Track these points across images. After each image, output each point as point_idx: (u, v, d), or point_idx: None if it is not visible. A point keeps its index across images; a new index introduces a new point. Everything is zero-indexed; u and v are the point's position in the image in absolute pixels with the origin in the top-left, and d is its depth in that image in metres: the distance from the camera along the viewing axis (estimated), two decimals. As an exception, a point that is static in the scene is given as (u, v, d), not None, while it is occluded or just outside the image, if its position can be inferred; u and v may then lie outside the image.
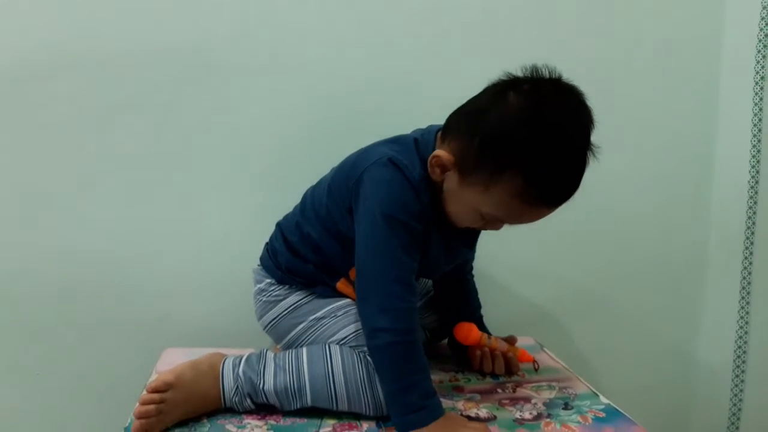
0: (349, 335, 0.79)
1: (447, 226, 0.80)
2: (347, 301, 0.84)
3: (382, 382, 0.74)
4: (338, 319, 0.81)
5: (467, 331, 0.90)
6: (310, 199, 0.89)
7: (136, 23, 1.00)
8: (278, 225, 0.93)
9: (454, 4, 1.08)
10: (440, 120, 0.80)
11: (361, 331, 0.78)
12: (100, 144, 1.02)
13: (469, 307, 0.97)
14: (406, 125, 0.86)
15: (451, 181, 0.75)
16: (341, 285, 0.85)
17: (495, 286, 1.14)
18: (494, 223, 0.78)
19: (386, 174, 0.76)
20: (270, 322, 0.88)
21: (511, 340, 0.95)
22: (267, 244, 0.93)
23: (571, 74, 0.71)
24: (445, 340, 0.98)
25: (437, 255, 0.83)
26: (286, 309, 0.86)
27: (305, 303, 0.85)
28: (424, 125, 0.85)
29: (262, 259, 0.93)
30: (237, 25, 1.03)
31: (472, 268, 1.00)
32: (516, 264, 1.17)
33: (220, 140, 1.05)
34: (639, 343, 1.24)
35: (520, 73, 0.73)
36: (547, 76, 0.72)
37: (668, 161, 1.19)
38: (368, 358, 0.76)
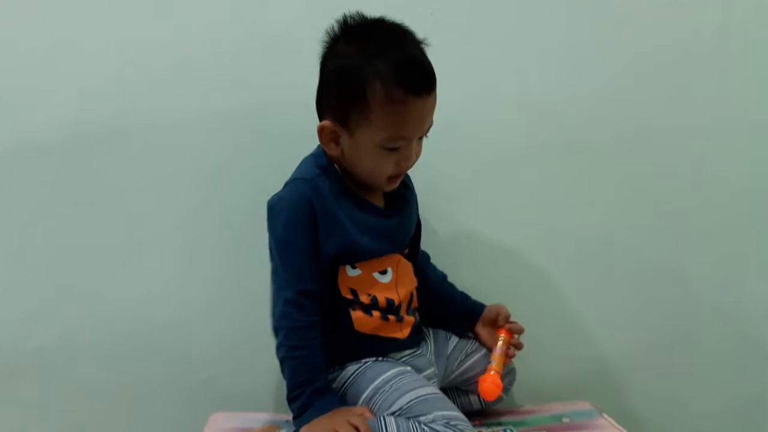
0: (403, 406, 0.78)
1: (366, 204, 0.86)
2: (391, 373, 0.83)
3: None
4: (388, 394, 0.81)
5: (493, 389, 0.90)
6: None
7: (189, 90, 1.03)
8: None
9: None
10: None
11: (414, 401, 0.78)
12: (148, 209, 1.04)
13: (453, 301, 1.01)
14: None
15: (346, 142, 0.82)
16: (359, 323, 0.85)
17: (544, 346, 1.10)
18: (401, 152, 0.81)
19: (278, 201, 0.85)
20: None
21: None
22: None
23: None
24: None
25: (370, 232, 0.85)
26: (340, 390, 0.86)
27: (350, 385, 0.85)
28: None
29: None
30: (286, 90, 1.03)
31: (428, 257, 1.03)
32: (568, 322, 1.13)
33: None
34: (702, 405, 1.17)
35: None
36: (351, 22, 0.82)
37: (730, 215, 1.15)
38: (425, 426, 0.74)
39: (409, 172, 0.90)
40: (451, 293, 1.02)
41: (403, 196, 0.93)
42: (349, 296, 0.86)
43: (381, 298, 0.87)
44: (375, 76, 0.77)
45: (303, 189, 0.83)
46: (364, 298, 0.86)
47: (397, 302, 0.88)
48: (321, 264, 0.83)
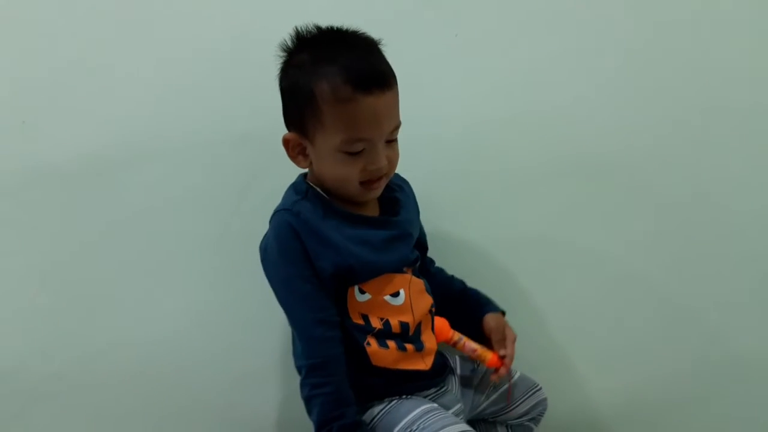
0: None
1: (357, 218, 0.83)
2: (418, 412, 0.79)
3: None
4: None
5: (442, 333, 0.89)
6: None
7: (211, 113, 1.03)
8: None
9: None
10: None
11: None
12: (169, 234, 1.03)
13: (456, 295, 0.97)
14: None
15: (312, 153, 0.81)
16: (376, 357, 0.81)
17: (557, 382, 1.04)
18: (365, 155, 0.78)
19: (266, 241, 0.83)
20: None
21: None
22: None
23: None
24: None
25: (366, 244, 0.82)
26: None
27: (374, 428, 0.81)
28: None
29: None
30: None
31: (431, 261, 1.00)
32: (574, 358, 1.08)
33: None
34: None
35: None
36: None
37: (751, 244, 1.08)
38: None
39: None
40: (477, 300, 0.96)
41: (398, 200, 0.89)
42: (360, 322, 0.81)
43: (394, 322, 0.82)
44: (322, 78, 0.76)
45: (283, 218, 0.81)
46: (376, 323, 0.81)
47: (413, 325, 0.83)
48: (328, 288, 0.80)
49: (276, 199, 0.98)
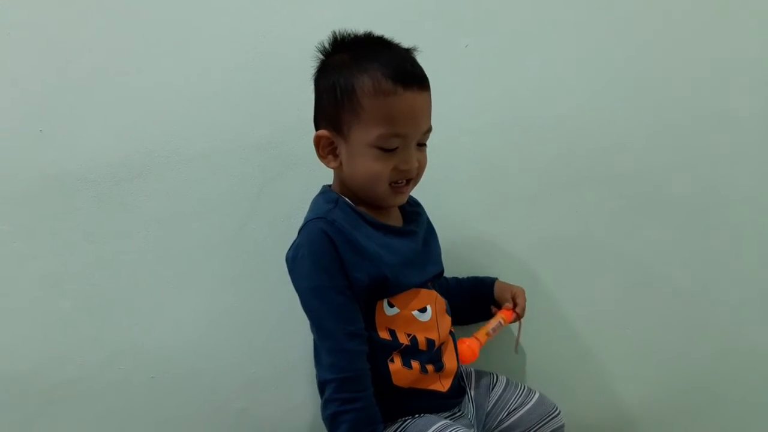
0: None
1: (386, 227, 0.83)
2: (434, 429, 0.78)
3: None
4: None
5: (470, 352, 0.87)
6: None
7: (224, 120, 1.03)
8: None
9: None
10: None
11: None
12: (183, 240, 1.04)
13: (471, 291, 0.99)
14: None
15: (343, 151, 0.80)
16: (397, 377, 0.81)
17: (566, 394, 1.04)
18: (399, 154, 0.78)
19: (297, 249, 0.80)
20: None
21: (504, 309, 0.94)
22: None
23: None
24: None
25: (398, 254, 0.82)
26: None
27: None
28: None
29: None
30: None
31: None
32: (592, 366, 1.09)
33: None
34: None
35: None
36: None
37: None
38: None
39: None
40: (459, 289, 0.99)
41: (418, 213, 0.91)
42: (388, 337, 0.81)
43: (421, 338, 0.82)
44: (363, 73, 0.77)
45: (319, 227, 0.79)
46: (403, 338, 0.81)
47: (438, 342, 0.84)
48: (358, 301, 0.80)
49: (292, 206, 1.01)
